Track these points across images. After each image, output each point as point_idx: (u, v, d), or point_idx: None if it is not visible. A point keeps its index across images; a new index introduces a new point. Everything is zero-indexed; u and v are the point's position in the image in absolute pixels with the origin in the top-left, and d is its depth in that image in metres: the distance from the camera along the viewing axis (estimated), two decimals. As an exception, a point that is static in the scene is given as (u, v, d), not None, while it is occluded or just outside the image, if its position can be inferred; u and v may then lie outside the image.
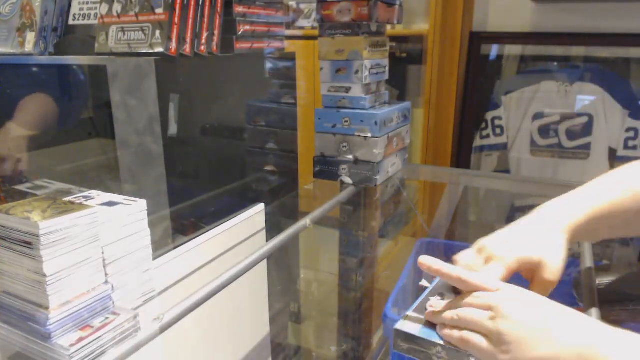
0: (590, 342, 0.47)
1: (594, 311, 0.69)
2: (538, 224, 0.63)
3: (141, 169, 0.90)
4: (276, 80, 1.36)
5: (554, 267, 0.59)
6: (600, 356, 0.46)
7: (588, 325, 0.50)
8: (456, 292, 0.64)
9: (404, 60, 2.13)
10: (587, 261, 0.82)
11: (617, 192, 0.64)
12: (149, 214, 0.62)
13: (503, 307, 0.52)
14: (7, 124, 1.15)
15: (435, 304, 0.62)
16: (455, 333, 0.55)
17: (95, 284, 0.56)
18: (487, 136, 2.04)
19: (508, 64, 2.03)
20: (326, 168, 1.15)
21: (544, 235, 0.61)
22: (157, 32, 0.82)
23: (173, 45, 0.83)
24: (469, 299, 0.57)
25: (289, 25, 2.07)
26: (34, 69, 1.21)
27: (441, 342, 0.56)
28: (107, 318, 0.56)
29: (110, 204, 0.60)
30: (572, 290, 0.85)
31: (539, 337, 0.49)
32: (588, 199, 0.64)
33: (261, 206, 1.03)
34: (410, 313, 0.62)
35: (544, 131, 1.94)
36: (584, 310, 0.71)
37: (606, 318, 0.67)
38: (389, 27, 1.22)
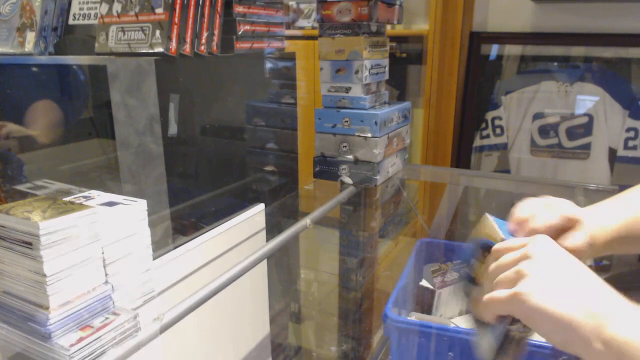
0: (602, 312, 0.45)
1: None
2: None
3: (141, 169, 0.90)
4: (276, 80, 1.36)
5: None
6: (609, 330, 0.43)
7: (608, 298, 0.47)
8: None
9: (404, 60, 2.13)
10: (587, 261, 0.82)
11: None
12: (149, 214, 0.62)
13: (532, 251, 0.51)
14: (11, 125, 1.15)
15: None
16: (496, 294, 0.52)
17: (95, 284, 0.56)
18: (487, 136, 2.04)
19: (508, 64, 2.04)
20: (326, 168, 1.15)
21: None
22: (157, 32, 0.82)
23: (173, 45, 0.82)
24: (500, 261, 0.55)
25: (289, 25, 2.08)
26: (34, 69, 1.21)
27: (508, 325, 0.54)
28: (107, 318, 0.56)
29: (110, 204, 0.60)
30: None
31: (561, 289, 0.47)
32: (617, 215, 0.63)
33: (261, 206, 1.03)
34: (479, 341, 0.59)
35: (544, 131, 1.94)
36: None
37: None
38: (389, 27, 1.22)
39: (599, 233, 0.60)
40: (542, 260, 0.50)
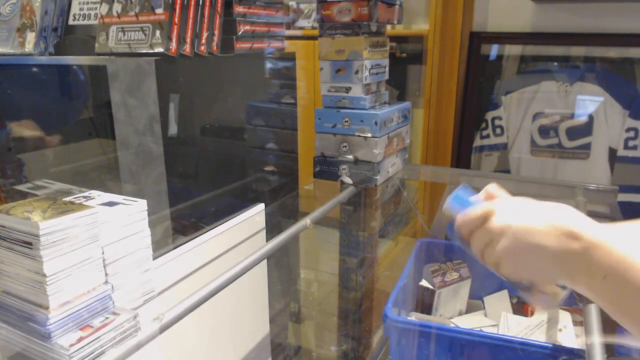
0: (572, 228, 0.51)
1: (594, 311, 0.69)
2: None
3: (141, 169, 0.90)
4: (276, 80, 1.36)
5: None
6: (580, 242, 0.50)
7: (570, 214, 0.54)
8: None
9: (404, 60, 2.13)
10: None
11: None
12: (149, 214, 0.63)
13: (494, 207, 0.59)
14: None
15: None
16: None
17: (95, 284, 0.56)
18: (487, 136, 2.04)
19: (508, 64, 2.03)
20: (326, 168, 1.15)
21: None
22: (157, 32, 0.82)
23: (173, 45, 0.83)
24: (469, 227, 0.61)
25: (289, 25, 2.08)
26: (34, 69, 1.21)
27: None
28: (107, 318, 0.56)
29: (111, 204, 0.60)
30: (572, 290, 0.85)
31: (525, 229, 0.54)
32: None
33: (261, 206, 1.03)
34: None
35: (544, 131, 1.94)
36: (584, 310, 0.71)
37: (606, 318, 0.67)
38: (389, 27, 1.22)
39: None
40: (503, 207, 0.58)
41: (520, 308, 1.19)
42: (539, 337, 1.04)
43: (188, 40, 0.85)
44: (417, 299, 1.22)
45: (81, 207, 0.54)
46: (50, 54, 1.02)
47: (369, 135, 1.09)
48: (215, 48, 0.91)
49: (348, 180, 1.14)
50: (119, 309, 0.58)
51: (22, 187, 0.67)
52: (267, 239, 0.93)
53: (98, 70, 1.03)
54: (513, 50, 2.02)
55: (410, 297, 1.22)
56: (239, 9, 0.94)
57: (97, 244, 0.55)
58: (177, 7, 0.82)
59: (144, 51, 0.83)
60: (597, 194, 1.14)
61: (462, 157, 2.12)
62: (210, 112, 1.20)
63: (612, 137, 1.85)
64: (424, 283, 1.21)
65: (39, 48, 1.01)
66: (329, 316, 1.51)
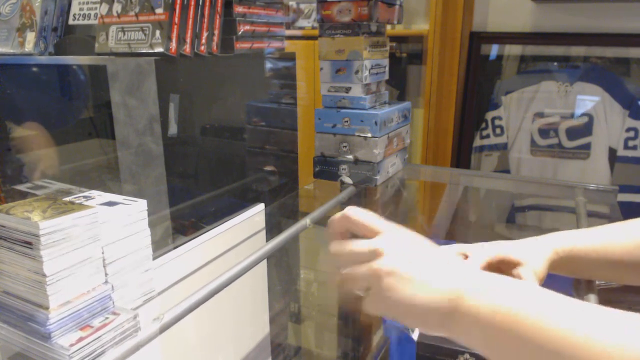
0: (458, 287, 0.46)
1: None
2: (528, 240, 0.67)
3: (141, 169, 0.90)
4: (276, 80, 1.36)
5: (532, 268, 0.62)
6: (465, 301, 0.45)
7: (461, 271, 0.48)
8: None
9: (404, 60, 2.13)
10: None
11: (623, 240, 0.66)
12: (149, 214, 0.62)
13: (384, 247, 0.51)
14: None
15: None
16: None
17: (95, 284, 0.56)
18: (487, 136, 2.04)
19: (508, 64, 2.04)
20: (326, 168, 1.15)
21: (530, 243, 0.65)
22: (157, 32, 0.82)
23: (173, 45, 0.83)
24: (354, 246, 0.54)
25: (289, 25, 2.08)
26: (34, 69, 1.21)
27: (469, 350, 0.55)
28: (107, 318, 0.56)
29: (111, 203, 0.60)
30: (572, 290, 0.85)
31: (412, 279, 0.47)
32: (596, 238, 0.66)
33: (261, 206, 1.03)
34: None
35: (544, 131, 1.94)
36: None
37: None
38: (389, 27, 1.22)
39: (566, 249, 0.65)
40: (394, 253, 0.50)
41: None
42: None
43: (188, 40, 0.85)
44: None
45: (81, 207, 0.54)
46: (50, 54, 1.02)
47: (369, 135, 1.09)
48: (215, 48, 0.91)
49: (348, 180, 1.14)
50: (119, 309, 0.58)
51: (22, 187, 0.67)
52: (267, 239, 0.93)
53: (98, 70, 1.03)
54: (513, 50, 2.02)
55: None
56: (239, 9, 0.94)
57: (97, 243, 0.55)
58: (177, 7, 0.82)
59: (144, 51, 0.83)
60: (597, 194, 1.14)
61: (462, 157, 2.12)
62: (210, 112, 1.20)
63: (612, 137, 1.85)
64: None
65: (38, 48, 1.01)
66: (329, 316, 1.51)
